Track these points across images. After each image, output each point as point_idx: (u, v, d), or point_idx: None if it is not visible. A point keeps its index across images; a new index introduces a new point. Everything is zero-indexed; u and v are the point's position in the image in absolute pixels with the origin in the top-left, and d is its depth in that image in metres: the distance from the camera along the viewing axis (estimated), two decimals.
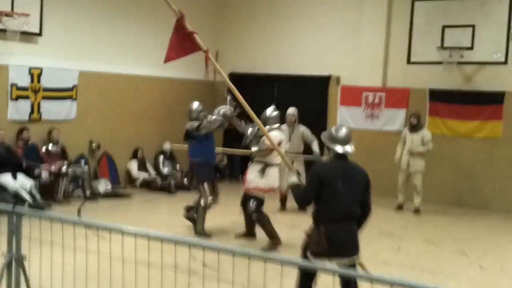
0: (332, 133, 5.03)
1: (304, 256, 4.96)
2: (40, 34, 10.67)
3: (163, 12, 13.06)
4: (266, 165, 8.09)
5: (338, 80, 13.15)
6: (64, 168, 10.54)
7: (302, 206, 5.07)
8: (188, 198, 11.49)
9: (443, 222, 10.29)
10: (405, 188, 11.06)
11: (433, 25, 12.06)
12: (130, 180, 12.46)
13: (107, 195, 11.25)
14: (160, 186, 12.12)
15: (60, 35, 11.12)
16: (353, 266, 4.89)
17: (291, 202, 11.03)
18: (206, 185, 8.49)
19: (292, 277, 4.85)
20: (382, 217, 10.23)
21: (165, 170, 12.66)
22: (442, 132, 11.97)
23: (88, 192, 10.92)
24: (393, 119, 12.34)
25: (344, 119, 12.76)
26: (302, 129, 10.73)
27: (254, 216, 8.07)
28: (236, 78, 14.09)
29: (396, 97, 12.45)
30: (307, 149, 10.64)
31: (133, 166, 12.46)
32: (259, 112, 13.36)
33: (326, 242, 4.76)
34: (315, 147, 10.38)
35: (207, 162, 8.62)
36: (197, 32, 7.08)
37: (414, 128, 10.90)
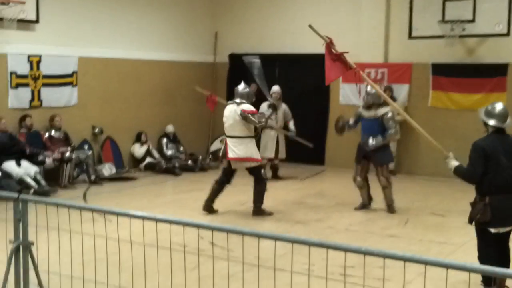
0: (488, 109, 5.42)
1: (471, 223, 5.34)
2: (37, 21, 10.60)
3: None
4: None
5: None
6: (67, 154, 10.53)
7: (472, 183, 5.37)
8: (193, 180, 11.55)
9: (449, 195, 10.26)
10: None
11: None
12: (135, 163, 12.45)
13: (112, 179, 11.25)
14: (165, 169, 12.12)
15: (58, 21, 11.03)
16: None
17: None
18: None
19: (302, 253, 4.78)
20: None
21: (169, 152, 12.65)
22: (446, 106, 11.92)
23: (93, 177, 10.91)
24: (396, 95, 12.25)
25: (347, 96, 12.69)
26: (285, 107, 11.59)
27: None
28: (236, 58, 14.03)
29: (399, 73, 12.35)
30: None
31: (137, 149, 12.45)
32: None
33: (490, 212, 5.15)
34: (292, 125, 11.50)
35: None
36: (347, 52, 7.77)
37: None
